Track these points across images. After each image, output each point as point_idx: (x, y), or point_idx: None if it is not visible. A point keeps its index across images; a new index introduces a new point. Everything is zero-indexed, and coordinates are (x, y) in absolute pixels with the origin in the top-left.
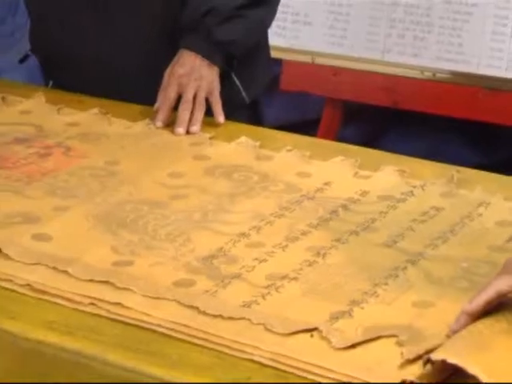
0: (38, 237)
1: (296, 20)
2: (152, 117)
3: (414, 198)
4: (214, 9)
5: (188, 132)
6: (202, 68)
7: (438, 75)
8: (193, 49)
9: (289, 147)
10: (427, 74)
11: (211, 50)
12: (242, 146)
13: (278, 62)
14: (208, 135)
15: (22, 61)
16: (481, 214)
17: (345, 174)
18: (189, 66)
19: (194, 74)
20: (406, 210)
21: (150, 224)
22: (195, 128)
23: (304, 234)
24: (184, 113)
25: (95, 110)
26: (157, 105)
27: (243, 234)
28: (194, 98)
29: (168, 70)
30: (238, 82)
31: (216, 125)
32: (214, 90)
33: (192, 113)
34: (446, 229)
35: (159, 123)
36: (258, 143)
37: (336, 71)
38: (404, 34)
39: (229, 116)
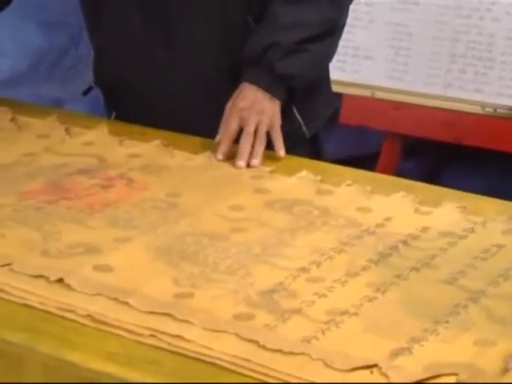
0: (100, 268)
1: (357, 54)
2: (213, 149)
3: (475, 234)
4: (276, 43)
5: (249, 165)
6: (264, 101)
7: (499, 111)
8: (254, 82)
9: (349, 182)
10: (488, 110)
11: (273, 84)
12: (302, 180)
13: (338, 95)
14: (268, 169)
15: (85, 93)
16: None
17: (405, 209)
18: (250, 99)
19: (255, 108)
20: (466, 246)
21: (210, 256)
22: (256, 161)
23: (364, 269)
24: (245, 146)
25: (157, 142)
26: (218, 137)
27: (303, 269)
28: (255, 131)
29: (229, 103)
30: (298, 117)
31: (276, 158)
32: (275, 124)
33: (253, 146)
34: (508, 266)
35: (220, 156)
36: (318, 177)
37: (396, 105)
38: (465, 70)
39: (289, 150)
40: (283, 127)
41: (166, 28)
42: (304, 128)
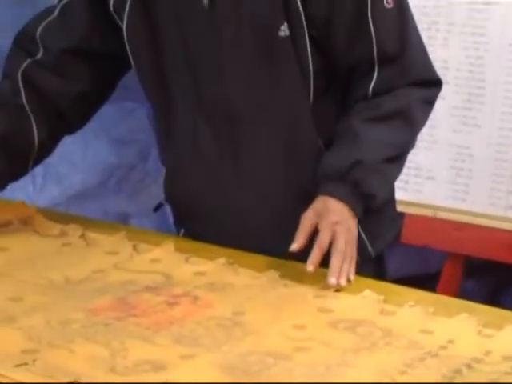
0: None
1: (419, 174)
2: (277, 268)
3: None
4: (361, 161)
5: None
6: (350, 219)
7: None
8: (340, 198)
9: (412, 303)
10: None
11: (357, 202)
12: (365, 299)
13: (401, 215)
14: (332, 288)
15: (156, 209)
16: None
17: (469, 332)
18: (340, 214)
19: (345, 224)
20: None
21: (274, 376)
22: (343, 281)
23: None
24: (338, 263)
25: (222, 260)
26: (295, 246)
27: None
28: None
29: (309, 214)
30: (364, 236)
31: None
32: (355, 244)
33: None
34: None
35: (311, 267)
36: (381, 297)
37: (458, 226)
38: None
39: (355, 270)
40: None
41: (234, 147)
42: (370, 248)
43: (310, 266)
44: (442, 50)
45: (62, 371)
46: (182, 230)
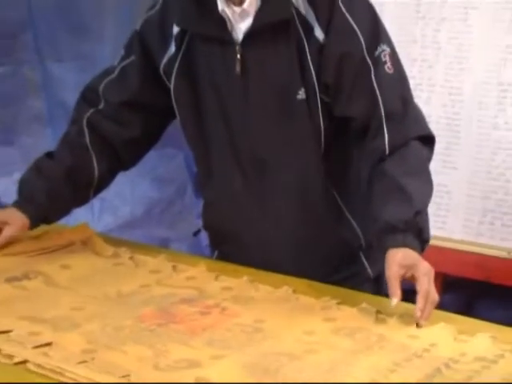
0: (200, 379)
1: None
2: (290, 284)
3: (504, 359)
4: (420, 211)
5: (417, 325)
6: (424, 262)
7: None
8: (414, 248)
9: (400, 314)
10: None
11: (421, 248)
12: (363, 311)
13: None
14: (335, 301)
15: (195, 234)
16: None
17: (447, 337)
18: (421, 261)
19: (430, 269)
20: (496, 370)
21: (288, 373)
22: (424, 322)
23: None
24: (424, 303)
25: (245, 278)
26: (395, 301)
27: None
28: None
29: (395, 273)
30: (365, 261)
31: (344, 292)
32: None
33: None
34: None
35: (422, 322)
36: (375, 309)
37: (438, 250)
38: (494, 222)
39: (355, 287)
40: (352, 268)
41: (259, 186)
42: (369, 270)
43: (422, 320)
44: (426, 106)
45: (115, 368)
46: (216, 252)
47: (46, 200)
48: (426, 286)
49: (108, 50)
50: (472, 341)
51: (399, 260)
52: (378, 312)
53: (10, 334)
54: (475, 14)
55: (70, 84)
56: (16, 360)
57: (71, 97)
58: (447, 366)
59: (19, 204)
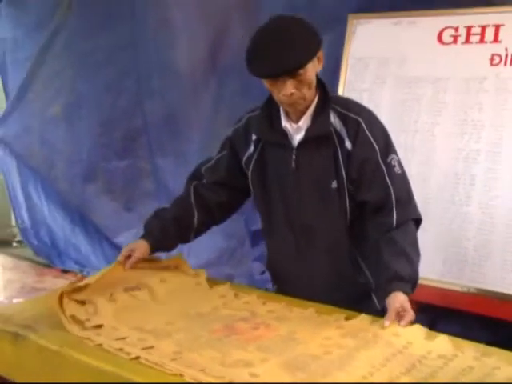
0: (252, 374)
1: None
2: (308, 306)
3: (458, 358)
4: (417, 269)
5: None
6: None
7: (471, 290)
8: (410, 296)
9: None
10: (464, 290)
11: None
12: (363, 320)
13: None
14: (344, 315)
15: (262, 273)
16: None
17: (420, 337)
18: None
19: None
20: (453, 366)
21: (314, 369)
22: (388, 323)
23: (398, 378)
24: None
25: (284, 304)
26: (388, 323)
27: (363, 377)
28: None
29: (392, 317)
30: (374, 298)
31: (349, 312)
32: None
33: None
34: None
35: (387, 323)
36: (370, 317)
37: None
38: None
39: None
40: (365, 303)
41: (304, 242)
42: (377, 305)
43: (387, 323)
44: None
45: (195, 364)
46: (275, 286)
47: (160, 234)
48: (400, 311)
49: (194, 149)
50: (436, 341)
51: (401, 301)
52: (373, 321)
53: (127, 339)
54: None
55: (170, 172)
56: (132, 356)
57: (171, 181)
58: (420, 362)
59: (143, 236)
